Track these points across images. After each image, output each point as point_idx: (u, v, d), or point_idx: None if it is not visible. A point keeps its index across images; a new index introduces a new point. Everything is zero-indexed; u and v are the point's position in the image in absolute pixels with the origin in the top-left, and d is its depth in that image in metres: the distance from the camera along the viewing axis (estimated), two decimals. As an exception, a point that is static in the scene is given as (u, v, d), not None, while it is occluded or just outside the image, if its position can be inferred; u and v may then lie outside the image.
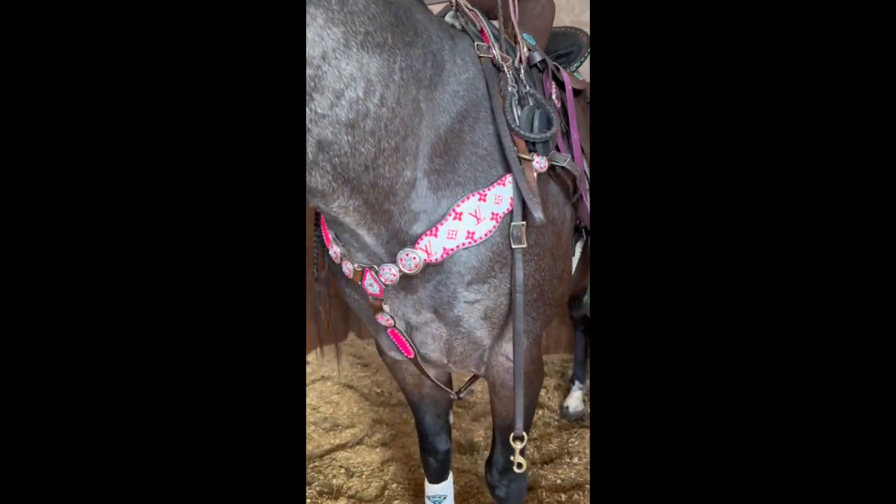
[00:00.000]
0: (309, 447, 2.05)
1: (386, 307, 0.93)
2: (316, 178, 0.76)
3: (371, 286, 0.91)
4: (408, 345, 0.99)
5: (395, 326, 0.96)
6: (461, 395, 1.23)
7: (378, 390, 2.51)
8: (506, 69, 0.93)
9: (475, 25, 0.98)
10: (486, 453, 2.06)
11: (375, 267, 0.89)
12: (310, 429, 2.16)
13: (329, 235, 0.96)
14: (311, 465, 1.94)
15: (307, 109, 0.69)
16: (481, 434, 2.16)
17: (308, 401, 2.34)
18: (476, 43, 0.94)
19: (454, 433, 2.16)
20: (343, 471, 1.91)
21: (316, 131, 0.71)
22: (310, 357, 2.76)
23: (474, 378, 1.28)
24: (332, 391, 2.43)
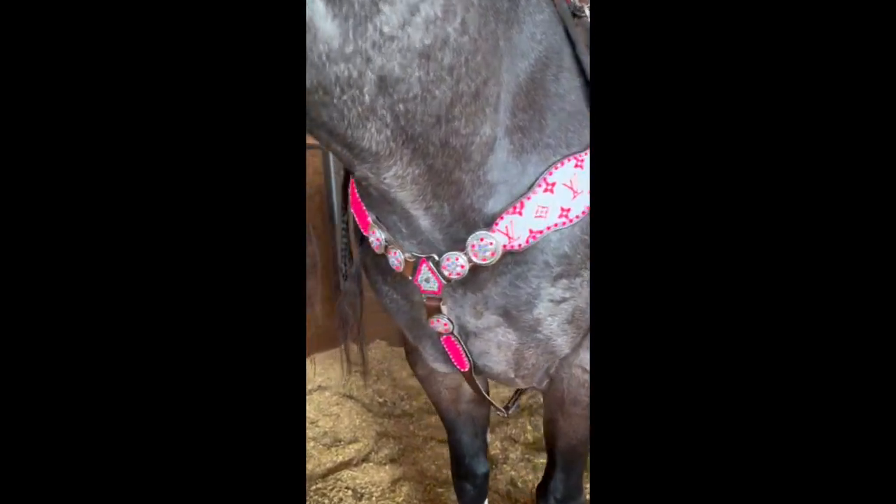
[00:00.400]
0: (309, 466, 1.84)
1: (444, 308, 0.74)
2: (371, 134, 0.56)
3: (427, 282, 0.71)
4: (464, 355, 0.80)
5: (452, 333, 0.76)
6: (510, 412, 1.04)
7: (380, 400, 2.30)
8: (587, 14, 0.75)
9: None
10: (505, 467, 1.89)
11: (435, 257, 0.69)
12: (309, 445, 1.94)
13: (368, 218, 0.75)
14: (314, 488, 1.72)
15: (368, 27, 0.50)
16: (497, 446, 1.97)
17: (305, 413, 2.12)
18: None
19: (469, 446, 1.97)
20: (350, 493, 1.70)
21: (379, 62, 0.52)
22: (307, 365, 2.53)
23: (521, 391, 1.09)
24: (330, 402, 2.21)
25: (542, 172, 0.66)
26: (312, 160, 2.56)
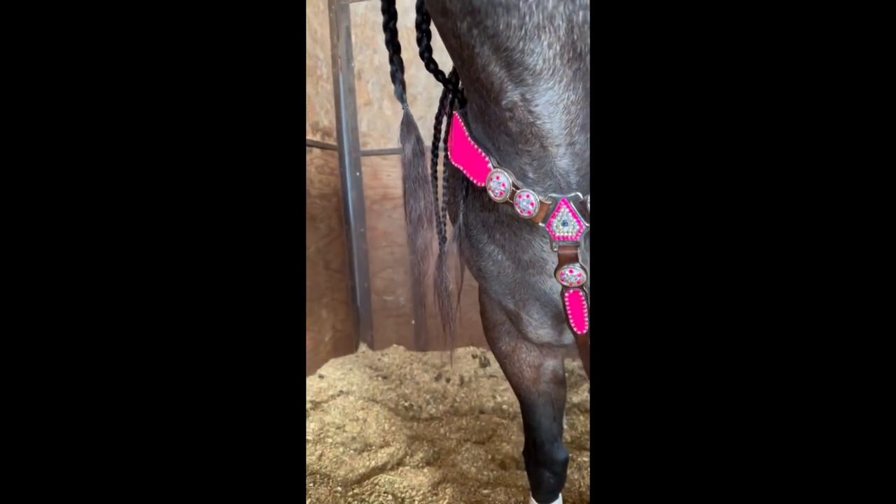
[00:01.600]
0: (342, 472, 1.75)
1: (580, 255, 0.69)
2: (542, 48, 0.53)
3: (564, 226, 0.67)
4: (587, 314, 0.75)
5: (584, 286, 0.72)
6: None
7: (406, 404, 2.23)
8: None
9: None
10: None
11: (580, 195, 0.65)
12: (338, 450, 1.85)
13: (488, 164, 0.70)
14: (351, 493, 1.63)
15: None
16: (534, 447, 1.91)
17: (330, 419, 2.03)
18: None
19: (505, 447, 1.91)
20: (390, 498, 1.62)
21: None
22: (324, 370, 2.44)
23: None
24: (355, 407, 2.12)
25: None
26: (329, 160, 2.51)
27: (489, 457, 1.85)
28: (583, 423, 2.03)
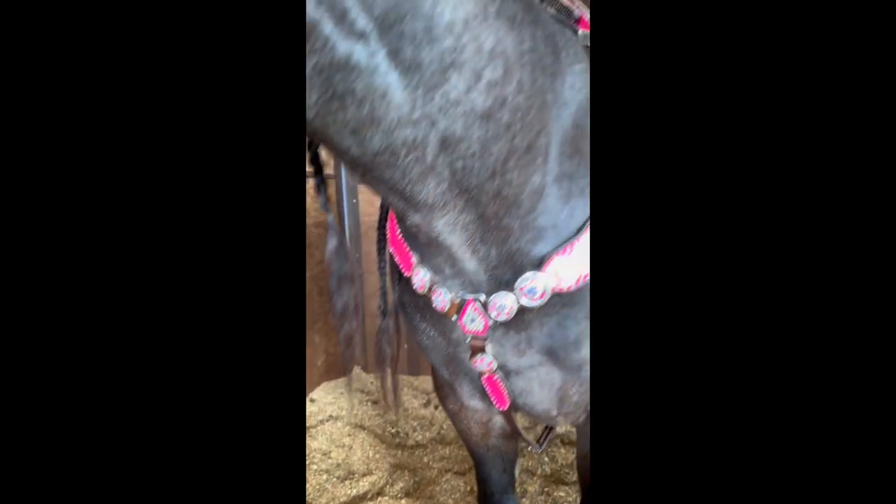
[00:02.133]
0: (323, 500, 1.81)
1: (489, 348, 0.75)
2: (429, 188, 0.59)
3: (472, 322, 0.72)
4: (505, 394, 0.80)
5: (495, 372, 0.77)
6: (542, 448, 1.04)
7: (393, 430, 2.28)
8: None
9: (571, 13, 0.83)
10: (525, 501, 1.86)
11: (482, 297, 0.70)
12: (322, 478, 1.91)
13: (412, 259, 0.77)
14: (329, 523, 1.69)
15: (436, 94, 0.52)
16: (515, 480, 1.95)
17: (317, 445, 2.10)
18: (581, 32, 0.79)
19: (484, 478, 1.95)
20: (367, 528, 1.68)
21: (443, 124, 0.55)
22: (316, 394, 2.51)
23: (551, 428, 1.09)
24: (342, 433, 2.18)
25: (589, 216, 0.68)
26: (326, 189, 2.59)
27: (468, 488, 1.90)
28: (563, 455, 2.06)
